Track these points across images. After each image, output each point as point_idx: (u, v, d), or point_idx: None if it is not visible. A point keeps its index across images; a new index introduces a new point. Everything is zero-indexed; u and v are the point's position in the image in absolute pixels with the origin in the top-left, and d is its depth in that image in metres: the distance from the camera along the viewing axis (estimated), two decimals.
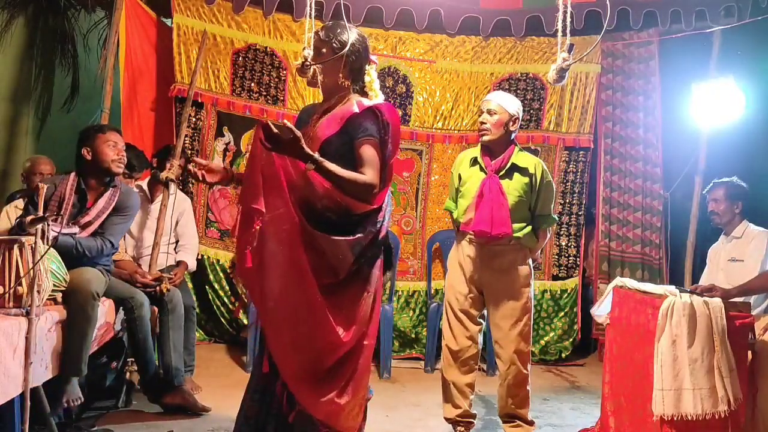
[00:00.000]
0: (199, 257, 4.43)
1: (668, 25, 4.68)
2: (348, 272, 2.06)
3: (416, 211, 4.98)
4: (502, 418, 3.13)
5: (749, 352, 2.59)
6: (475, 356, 3.11)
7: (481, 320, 3.15)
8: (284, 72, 4.85)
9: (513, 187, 3.01)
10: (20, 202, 3.52)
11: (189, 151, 4.70)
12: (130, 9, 4.33)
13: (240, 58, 4.78)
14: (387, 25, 4.76)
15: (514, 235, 3.00)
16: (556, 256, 5.01)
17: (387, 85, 4.89)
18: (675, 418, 2.41)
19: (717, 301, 2.49)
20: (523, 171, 3.03)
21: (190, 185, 4.73)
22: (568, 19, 2.20)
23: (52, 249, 2.56)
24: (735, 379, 2.40)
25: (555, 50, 2.29)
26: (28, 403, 2.32)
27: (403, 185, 4.98)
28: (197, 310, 4.19)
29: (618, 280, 3.12)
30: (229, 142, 4.82)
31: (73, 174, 3.08)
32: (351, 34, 2.20)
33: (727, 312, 2.47)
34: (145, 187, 3.94)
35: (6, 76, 4.91)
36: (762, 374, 2.57)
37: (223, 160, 4.81)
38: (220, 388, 3.67)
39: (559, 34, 2.22)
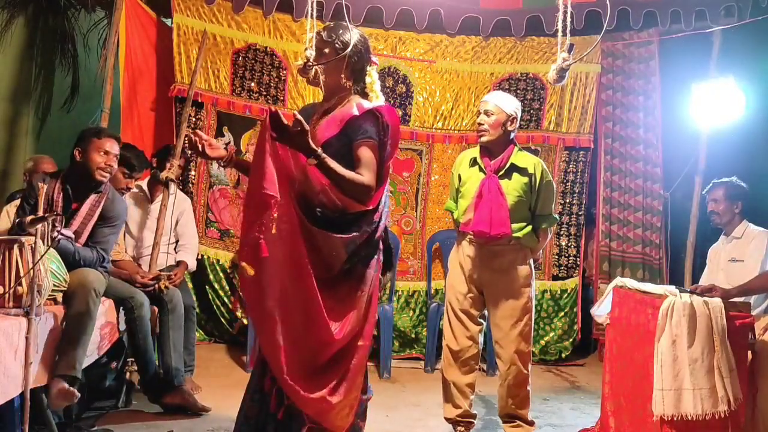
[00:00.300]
0: (199, 257, 4.43)
1: (668, 25, 4.68)
2: (340, 269, 2.06)
3: (416, 211, 4.98)
4: (503, 418, 3.13)
5: (749, 352, 2.59)
6: (475, 356, 3.11)
7: (482, 320, 3.15)
8: (284, 72, 4.85)
9: (512, 187, 3.01)
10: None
11: (189, 151, 4.69)
12: (130, 9, 4.33)
13: (240, 58, 4.78)
14: (387, 25, 4.76)
15: (514, 235, 3.00)
16: (556, 256, 5.01)
17: (387, 85, 4.89)
18: (675, 418, 2.41)
19: (717, 301, 2.49)
20: (523, 171, 3.03)
21: (190, 185, 4.73)
22: (568, 19, 2.20)
23: (51, 249, 2.56)
24: (735, 379, 2.40)
25: (555, 50, 2.29)
26: (28, 403, 2.32)
27: (403, 185, 4.98)
28: (197, 310, 4.19)
29: (618, 280, 3.12)
30: (229, 142, 4.82)
31: (60, 175, 3.04)
32: (353, 35, 2.20)
33: (727, 312, 2.47)
34: (145, 187, 3.95)
35: (6, 76, 4.91)
36: (762, 374, 2.57)
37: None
38: (220, 388, 3.67)
39: (559, 34, 2.22)
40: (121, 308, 3.25)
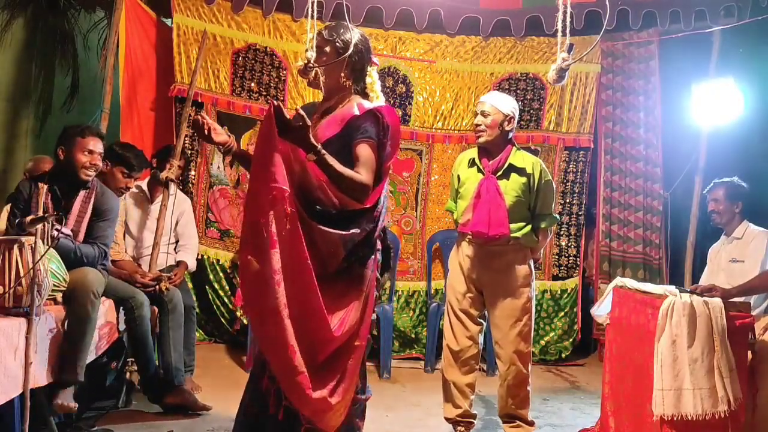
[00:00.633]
0: (199, 257, 4.43)
1: (668, 25, 4.69)
2: (338, 267, 2.06)
3: (416, 211, 4.98)
4: (502, 419, 3.12)
5: (749, 352, 2.58)
6: (475, 356, 3.11)
7: (482, 320, 3.14)
8: (284, 72, 4.85)
9: (511, 188, 3.01)
10: None
11: (189, 151, 4.70)
12: (130, 9, 4.33)
13: (240, 58, 4.78)
14: (387, 25, 4.76)
15: (513, 235, 3.00)
16: (556, 256, 5.01)
17: (387, 85, 4.90)
18: (675, 418, 2.41)
19: (717, 301, 2.49)
20: (521, 171, 3.03)
21: (190, 185, 4.73)
22: (568, 19, 2.20)
23: (51, 249, 2.56)
24: (735, 379, 2.40)
25: (555, 50, 2.29)
26: (28, 403, 2.32)
27: (403, 185, 4.98)
28: (197, 310, 4.19)
29: (618, 280, 3.12)
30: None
31: (45, 177, 3.01)
32: (354, 34, 2.20)
33: (727, 312, 2.47)
34: (145, 187, 3.94)
35: (6, 76, 4.91)
36: (762, 374, 2.57)
37: (223, 160, 4.81)
38: (220, 388, 3.67)
39: (559, 34, 2.21)
40: (121, 308, 3.25)
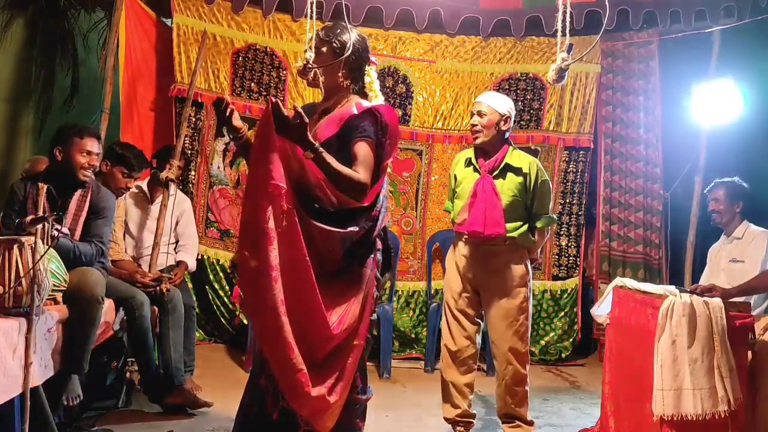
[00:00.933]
0: (199, 257, 4.43)
1: (668, 25, 4.69)
2: (336, 266, 2.06)
3: (416, 211, 4.99)
4: (501, 419, 3.12)
5: (749, 352, 2.58)
6: (473, 356, 3.11)
7: (479, 320, 3.15)
8: (284, 72, 4.85)
9: (507, 187, 3.01)
10: None
11: (189, 151, 4.70)
12: (129, 9, 4.33)
13: (240, 58, 4.79)
14: (387, 25, 4.77)
15: (509, 235, 3.00)
16: (556, 256, 5.01)
17: (387, 85, 4.90)
18: (675, 418, 2.41)
19: (717, 301, 2.49)
20: (517, 171, 3.03)
21: (190, 185, 4.73)
22: (568, 19, 2.20)
23: (51, 249, 2.56)
24: (735, 379, 2.40)
25: (555, 50, 2.29)
26: (28, 403, 2.32)
27: (403, 185, 4.98)
28: (197, 310, 4.19)
29: (618, 280, 3.12)
30: (229, 143, 4.82)
31: (41, 177, 3.01)
32: (351, 35, 2.20)
33: (727, 312, 2.46)
34: (145, 187, 3.94)
35: (6, 76, 4.91)
36: (762, 374, 2.57)
37: (223, 160, 4.81)
38: (220, 388, 3.67)
39: (559, 34, 2.22)
40: (122, 308, 3.25)
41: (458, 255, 3.14)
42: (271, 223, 1.92)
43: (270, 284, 1.91)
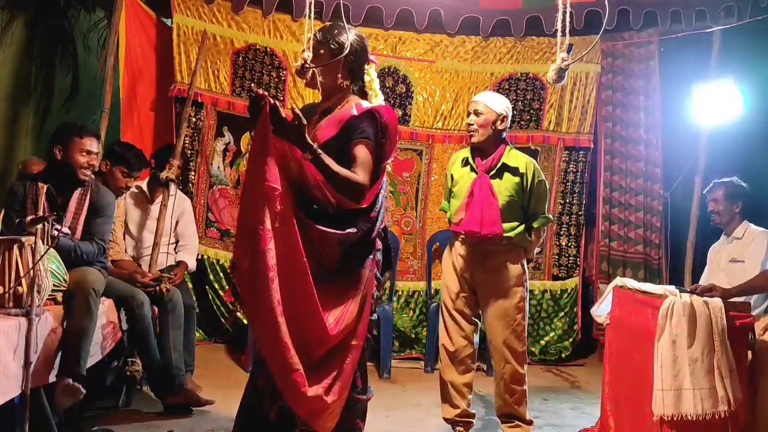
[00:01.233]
0: (199, 257, 4.43)
1: (668, 25, 4.69)
2: (334, 266, 2.06)
3: (416, 211, 4.99)
4: (500, 418, 3.12)
5: (749, 352, 2.58)
6: (471, 355, 3.11)
7: (477, 319, 3.14)
8: (284, 72, 4.85)
9: (503, 187, 3.01)
10: None
11: (189, 151, 4.70)
12: (130, 9, 4.33)
13: (240, 58, 4.79)
14: (387, 25, 4.77)
15: (505, 234, 3.00)
16: (556, 256, 5.01)
17: (387, 85, 4.90)
18: (675, 418, 2.40)
19: (717, 301, 2.49)
20: (514, 171, 3.03)
21: (190, 185, 4.73)
22: (568, 19, 2.20)
23: (51, 249, 2.56)
24: (735, 379, 2.40)
25: (555, 50, 2.29)
26: (28, 403, 2.32)
27: (403, 185, 4.98)
28: (197, 310, 4.19)
29: (618, 280, 3.12)
30: (229, 143, 4.82)
31: (40, 177, 3.00)
32: (349, 35, 2.20)
33: (727, 312, 2.47)
34: (144, 187, 3.94)
35: (6, 76, 4.90)
36: (762, 374, 2.57)
37: (223, 160, 4.81)
38: (220, 388, 3.66)
39: (559, 34, 2.22)
40: (122, 308, 3.25)
41: (455, 255, 3.14)
42: (267, 224, 1.93)
43: (266, 285, 1.92)
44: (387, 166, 2.22)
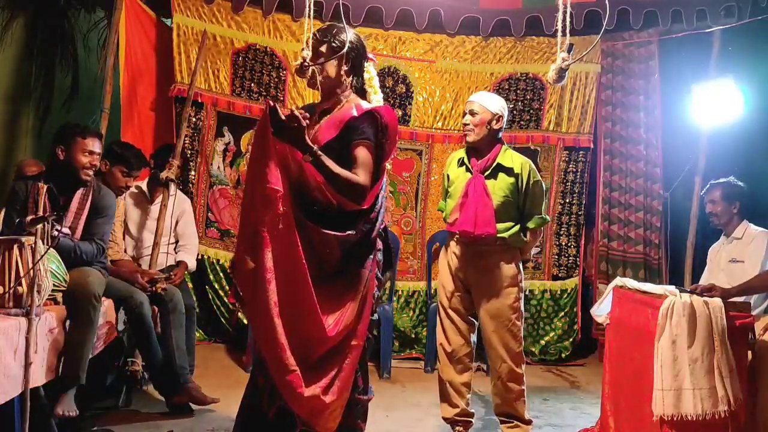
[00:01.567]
0: (199, 257, 4.43)
1: (668, 25, 4.69)
2: (335, 268, 2.07)
3: (416, 211, 4.99)
4: (499, 418, 3.12)
5: (749, 352, 2.58)
6: (469, 354, 3.11)
7: (473, 318, 3.14)
8: (284, 72, 4.85)
9: (498, 187, 3.01)
10: None
11: (189, 151, 4.70)
12: (130, 9, 4.33)
13: (240, 58, 4.78)
14: (387, 25, 4.77)
15: (500, 235, 2.99)
16: (556, 256, 5.01)
17: (387, 85, 4.90)
18: (675, 418, 2.40)
19: (717, 301, 2.49)
20: (509, 171, 3.02)
21: (190, 185, 4.73)
22: (568, 19, 2.20)
23: (51, 249, 2.56)
24: (735, 379, 2.40)
25: (555, 50, 2.29)
26: (28, 403, 2.32)
27: (403, 185, 4.98)
28: (197, 310, 4.19)
29: (618, 280, 3.12)
30: (229, 143, 4.82)
31: (42, 177, 3.01)
32: (348, 34, 2.20)
33: (727, 312, 2.47)
34: (144, 187, 3.94)
35: (6, 76, 4.90)
36: (762, 374, 2.57)
37: (223, 160, 4.81)
38: (220, 388, 3.66)
39: (559, 34, 2.22)
40: (122, 308, 3.25)
41: (450, 254, 3.14)
42: (268, 227, 1.94)
43: (264, 286, 1.94)
44: (387, 165, 2.23)
